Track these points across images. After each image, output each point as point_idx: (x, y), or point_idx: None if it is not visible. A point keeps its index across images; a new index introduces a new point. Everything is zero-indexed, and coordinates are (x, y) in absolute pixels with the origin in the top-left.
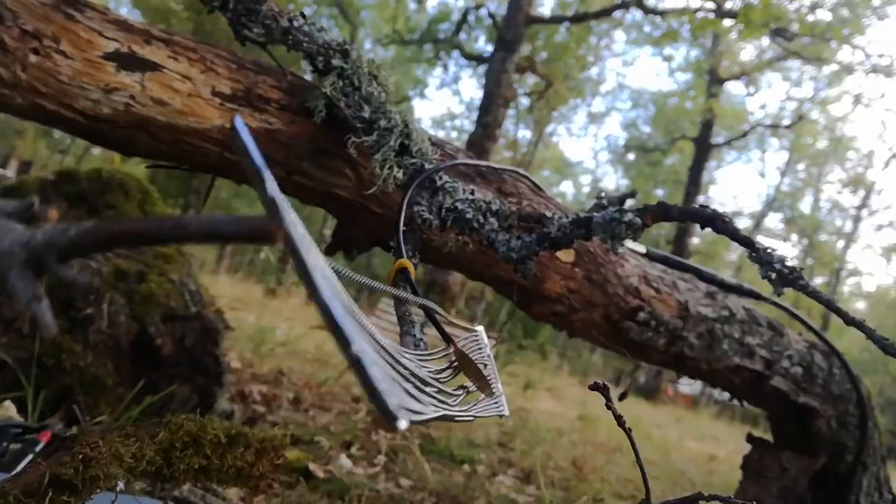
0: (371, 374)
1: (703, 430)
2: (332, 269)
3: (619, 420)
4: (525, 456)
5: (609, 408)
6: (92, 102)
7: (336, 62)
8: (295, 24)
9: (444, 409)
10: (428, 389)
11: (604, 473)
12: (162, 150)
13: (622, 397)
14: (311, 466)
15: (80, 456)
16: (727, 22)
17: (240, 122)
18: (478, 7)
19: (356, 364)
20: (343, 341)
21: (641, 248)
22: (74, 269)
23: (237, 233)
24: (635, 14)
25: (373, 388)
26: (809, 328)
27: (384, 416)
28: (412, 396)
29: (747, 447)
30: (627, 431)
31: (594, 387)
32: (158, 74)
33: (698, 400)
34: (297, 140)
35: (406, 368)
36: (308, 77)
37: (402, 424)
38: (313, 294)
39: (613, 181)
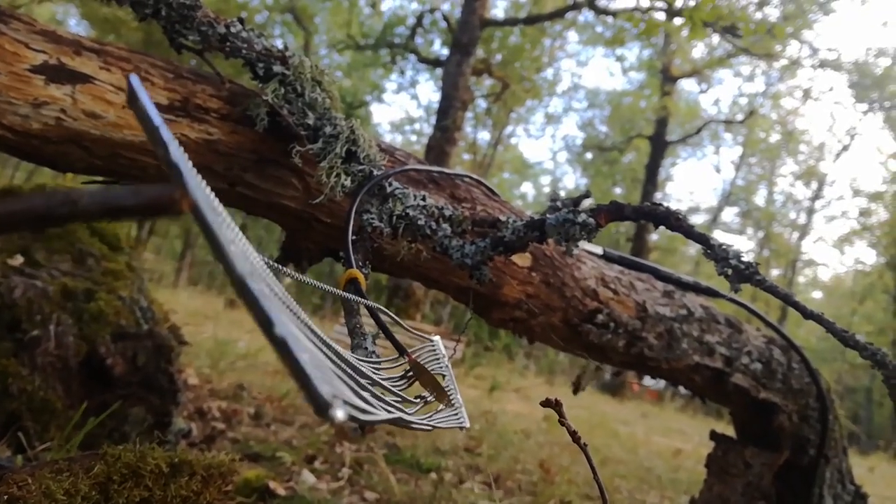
0: (299, 357)
1: (668, 425)
2: (271, 265)
3: (574, 436)
4: (492, 461)
5: (563, 424)
6: (21, 118)
7: (277, 68)
8: (232, 30)
9: (399, 413)
10: (380, 392)
11: (570, 474)
12: (97, 164)
13: (576, 389)
14: (272, 484)
15: (6, 497)
16: (676, 21)
17: (136, 81)
18: (432, 11)
19: (281, 346)
20: (264, 321)
21: (598, 250)
22: (18, 289)
23: (137, 205)
24: (587, 15)
25: (301, 372)
26: (767, 324)
27: (314, 405)
28: (358, 395)
29: (712, 441)
30: (583, 447)
31: (546, 403)
32: (90, 86)
33: (663, 394)
34: (240, 150)
35: (353, 367)
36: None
37: (339, 414)
38: (227, 269)
39: (573, 181)
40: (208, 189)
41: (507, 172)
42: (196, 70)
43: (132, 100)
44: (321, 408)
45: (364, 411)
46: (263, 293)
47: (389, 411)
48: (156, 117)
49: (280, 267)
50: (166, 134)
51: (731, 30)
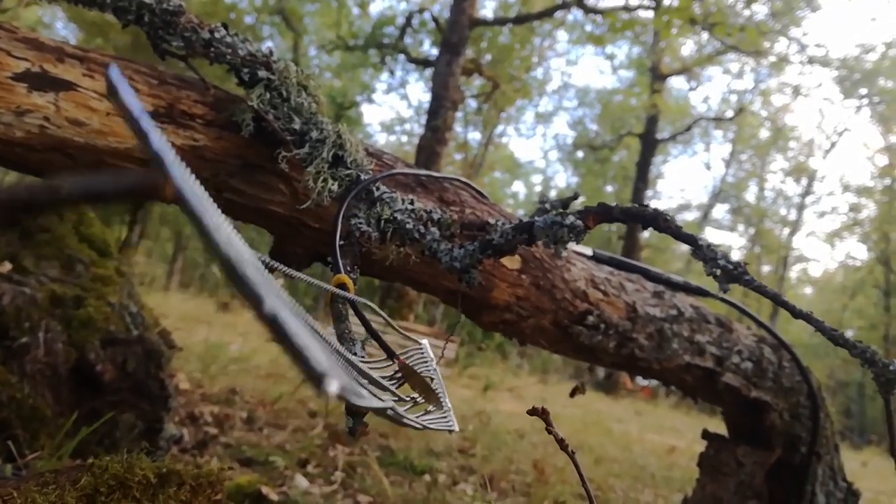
0: (290, 331)
1: (662, 422)
2: (264, 261)
3: (562, 444)
4: (486, 462)
5: (550, 432)
6: (3, 126)
7: (262, 73)
8: (216, 35)
9: (391, 404)
10: (371, 388)
11: (564, 475)
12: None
13: (573, 393)
14: (264, 489)
15: None
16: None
17: (115, 72)
18: (421, 11)
19: (272, 321)
20: (253, 297)
21: (587, 251)
22: (7, 296)
23: (119, 190)
24: (576, 14)
25: (293, 344)
26: (758, 322)
27: (309, 376)
28: (351, 380)
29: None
30: (571, 455)
31: (532, 412)
32: (73, 94)
33: (657, 392)
34: (226, 156)
35: (345, 359)
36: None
37: (334, 386)
38: (212, 249)
39: (564, 179)
40: (193, 177)
41: (498, 172)
42: (181, 76)
43: (111, 93)
44: (316, 379)
45: (357, 394)
46: (251, 272)
47: (381, 400)
48: (136, 108)
49: (270, 261)
50: (147, 123)
51: (705, 25)
